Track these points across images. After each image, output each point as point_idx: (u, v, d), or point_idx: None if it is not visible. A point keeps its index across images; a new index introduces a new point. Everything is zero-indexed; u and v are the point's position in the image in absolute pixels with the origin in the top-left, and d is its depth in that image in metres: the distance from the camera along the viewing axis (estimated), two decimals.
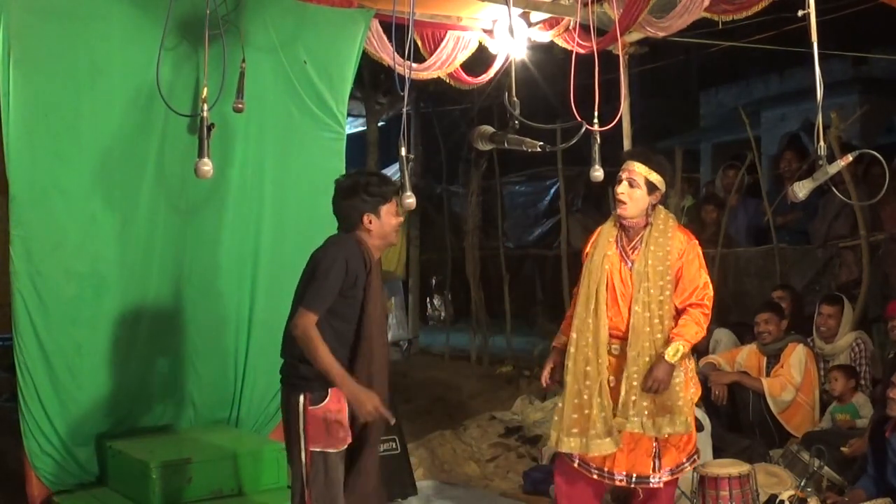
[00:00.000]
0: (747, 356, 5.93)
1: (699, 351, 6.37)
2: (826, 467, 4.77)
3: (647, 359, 3.85)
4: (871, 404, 5.36)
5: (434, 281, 13.65)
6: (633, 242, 3.98)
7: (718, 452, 5.20)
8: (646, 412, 3.85)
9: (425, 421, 7.46)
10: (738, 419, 5.73)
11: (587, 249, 4.15)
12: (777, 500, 4.34)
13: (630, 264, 3.94)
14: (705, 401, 5.72)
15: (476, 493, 5.65)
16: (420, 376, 9.55)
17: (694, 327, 3.90)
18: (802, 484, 4.33)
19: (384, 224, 3.75)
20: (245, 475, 4.64)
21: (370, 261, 3.71)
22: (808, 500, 4.31)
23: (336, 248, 3.70)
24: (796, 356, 5.66)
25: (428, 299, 13.85)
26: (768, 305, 6.03)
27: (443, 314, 13.06)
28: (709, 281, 4.01)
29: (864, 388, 5.56)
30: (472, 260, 10.56)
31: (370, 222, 3.72)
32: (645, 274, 3.89)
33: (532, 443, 6.36)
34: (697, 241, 4.07)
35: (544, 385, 4.26)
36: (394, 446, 5.32)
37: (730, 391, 5.75)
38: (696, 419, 5.00)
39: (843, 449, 4.91)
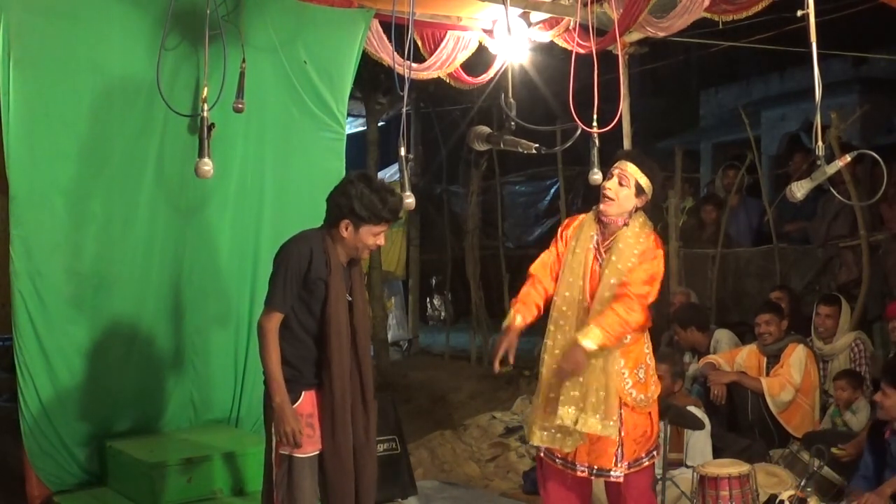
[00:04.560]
0: (747, 356, 5.93)
1: (700, 352, 6.37)
2: (826, 467, 4.77)
3: (603, 360, 3.84)
4: (870, 407, 5.36)
5: (434, 281, 13.65)
6: (608, 241, 3.97)
7: (718, 452, 5.19)
8: (581, 403, 3.81)
9: (425, 421, 7.47)
10: (737, 419, 5.73)
11: (567, 232, 4.07)
12: (777, 500, 4.32)
13: (601, 261, 3.95)
14: (705, 401, 5.73)
15: (476, 493, 5.65)
16: (420, 376, 9.56)
17: (613, 317, 3.73)
18: (802, 484, 4.32)
19: (357, 240, 3.63)
20: (245, 475, 4.64)
21: (332, 261, 3.63)
22: (808, 500, 4.30)
23: (297, 242, 3.66)
24: (796, 356, 5.67)
25: (428, 299, 13.85)
26: (769, 306, 6.02)
27: (443, 314, 13.05)
28: (651, 286, 3.85)
29: (865, 390, 5.56)
30: (472, 260, 10.55)
31: (346, 229, 3.62)
32: (608, 272, 3.89)
33: None
34: (663, 252, 3.99)
35: (496, 371, 4.00)
36: (394, 446, 5.32)
37: (729, 391, 5.75)
38: (692, 416, 4.99)
39: (834, 450, 4.87)
